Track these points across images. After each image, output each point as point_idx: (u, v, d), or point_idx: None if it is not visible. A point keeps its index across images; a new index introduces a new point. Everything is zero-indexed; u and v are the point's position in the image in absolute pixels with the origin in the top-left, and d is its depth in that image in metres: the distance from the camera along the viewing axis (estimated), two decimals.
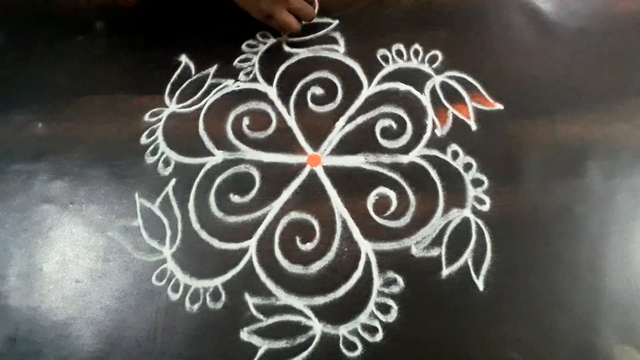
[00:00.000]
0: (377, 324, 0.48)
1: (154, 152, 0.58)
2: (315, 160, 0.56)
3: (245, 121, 0.58)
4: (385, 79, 0.59)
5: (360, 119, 0.57)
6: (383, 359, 0.47)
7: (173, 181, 0.56)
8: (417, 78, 0.59)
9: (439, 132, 0.56)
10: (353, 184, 0.54)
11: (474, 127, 0.56)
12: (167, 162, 0.57)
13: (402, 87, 0.59)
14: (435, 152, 0.55)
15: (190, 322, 0.49)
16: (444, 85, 0.58)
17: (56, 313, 0.51)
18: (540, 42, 0.61)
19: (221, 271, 0.51)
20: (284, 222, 0.53)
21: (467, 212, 0.52)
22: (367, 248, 0.51)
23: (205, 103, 0.60)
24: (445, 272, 0.49)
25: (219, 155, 0.57)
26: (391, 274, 0.50)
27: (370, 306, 0.48)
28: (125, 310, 0.50)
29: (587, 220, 0.51)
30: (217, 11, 0.61)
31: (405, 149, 0.55)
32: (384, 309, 0.48)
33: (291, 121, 0.58)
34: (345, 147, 0.56)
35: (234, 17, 0.64)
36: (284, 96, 0.60)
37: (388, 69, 0.60)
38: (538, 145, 0.54)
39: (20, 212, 0.56)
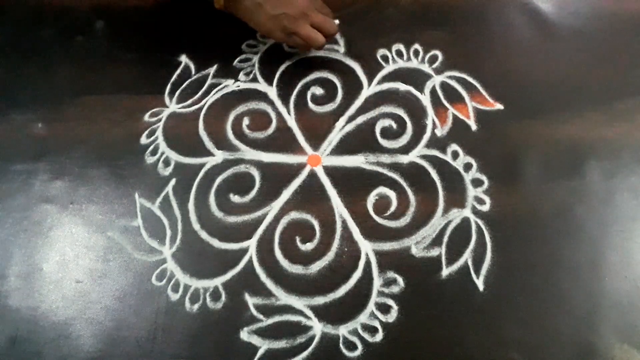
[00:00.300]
0: (377, 324, 0.48)
1: (154, 152, 0.58)
2: (315, 160, 0.56)
3: (245, 121, 0.58)
4: (385, 79, 0.59)
5: (360, 119, 0.57)
6: (383, 359, 0.47)
7: (173, 181, 0.56)
8: (417, 78, 0.59)
9: (439, 132, 0.56)
10: (353, 184, 0.54)
11: (474, 127, 0.56)
12: (167, 162, 0.57)
13: (402, 87, 0.59)
14: (435, 152, 0.55)
15: (190, 322, 0.49)
16: (444, 85, 0.58)
17: (56, 313, 0.51)
18: (540, 42, 0.61)
19: (221, 271, 0.51)
20: (284, 222, 0.53)
21: (467, 212, 0.52)
22: (367, 248, 0.51)
23: (205, 103, 0.60)
24: (445, 272, 0.49)
25: (219, 155, 0.57)
26: (391, 274, 0.50)
27: (370, 306, 0.48)
28: (125, 310, 0.50)
29: (587, 220, 0.51)
30: (217, 11, 0.61)
31: (405, 149, 0.55)
32: (384, 309, 0.48)
33: (291, 121, 0.58)
34: (345, 147, 0.56)
35: (233, 17, 0.64)
36: (284, 96, 0.60)
37: (388, 69, 0.60)
38: (538, 145, 0.55)
39: (20, 212, 0.56)
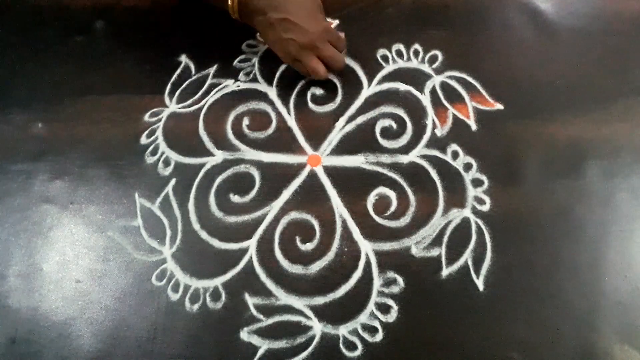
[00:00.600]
0: (377, 324, 0.48)
1: (154, 152, 0.58)
2: (315, 160, 0.56)
3: (245, 121, 0.58)
4: (385, 79, 0.59)
5: (360, 119, 0.57)
6: (383, 359, 0.47)
7: (173, 181, 0.56)
8: (417, 78, 0.59)
9: (439, 132, 0.56)
10: (353, 184, 0.54)
11: (474, 127, 0.56)
12: (167, 162, 0.57)
13: (402, 87, 0.59)
14: (435, 152, 0.55)
15: (190, 322, 0.49)
16: (444, 85, 0.58)
17: (56, 313, 0.51)
18: (540, 42, 0.61)
19: (221, 271, 0.51)
20: (284, 222, 0.53)
21: (467, 212, 0.52)
22: (367, 248, 0.51)
23: (205, 103, 0.60)
24: (445, 272, 0.49)
25: (219, 155, 0.57)
26: (391, 274, 0.50)
27: (370, 306, 0.48)
28: (125, 310, 0.50)
29: (587, 220, 0.51)
30: (217, 11, 0.61)
31: (405, 149, 0.55)
32: (384, 309, 0.48)
33: (291, 121, 0.58)
34: (345, 147, 0.56)
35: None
36: (284, 96, 0.60)
37: (388, 69, 0.60)
38: (538, 145, 0.54)
39: (20, 212, 0.56)
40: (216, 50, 0.63)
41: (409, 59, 0.60)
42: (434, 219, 0.52)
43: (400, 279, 0.49)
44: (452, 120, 0.56)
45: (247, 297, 0.50)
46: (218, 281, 0.51)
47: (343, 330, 0.48)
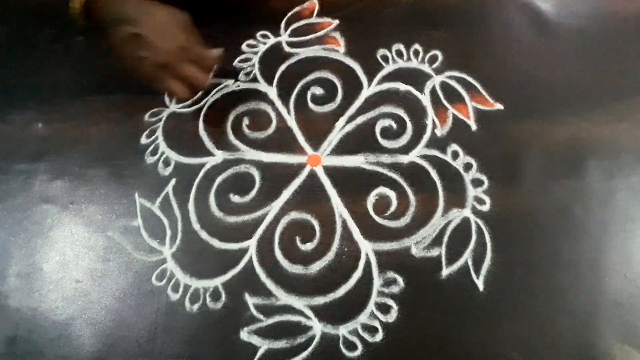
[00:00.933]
0: (377, 324, 0.48)
1: (154, 152, 0.58)
2: (315, 160, 0.56)
3: (245, 121, 0.58)
4: (385, 79, 0.59)
5: (360, 119, 0.57)
6: (383, 359, 0.47)
7: (173, 181, 0.56)
8: (417, 78, 0.59)
9: (439, 132, 0.56)
10: (353, 184, 0.54)
11: (474, 127, 0.56)
12: (167, 162, 0.57)
13: (402, 87, 0.59)
14: (435, 152, 0.55)
15: (190, 322, 0.49)
16: (444, 85, 0.58)
17: (56, 313, 0.51)
18: (540, 42, 0.61)
19: (221, 271, 0.51)
20: (284, 222, 0.53)
21: (467, 212, 0.52)
22: (367, 248, 0.51)
23: (205, 103, 0.60)
24: (445, 272, 0.49)
25: (219, 155, 0.57)
26: (391, 274, 0.50)
27: (370, 306, 0.48)
28: (125, 310, 0.50)
29: (587, 220, 0.51)
30: (216, 11, 0.61)
31: (405, 149, 0.55)
32: (384, 309, 0.48)
33: (291, 121, 0.58)
34: (345, 147, 0.56)
35: (234, 17, 0.64)
36: (284, 96, 0.60)
37: (388, 69, 0.60)
38: (538, 145, 0.54)
39: (20, 212, 0.56)
40: None
41: (409, 59, 0.60)
42: (434, 219, 0.52)
43: (400, 279, 0.49)
44: (452, 120, 0.56)
45: (247, 297, 0.50)
46: (218, 281, 0.51)
47: (343, 330, 0.48)
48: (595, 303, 0.47)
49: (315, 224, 0.52)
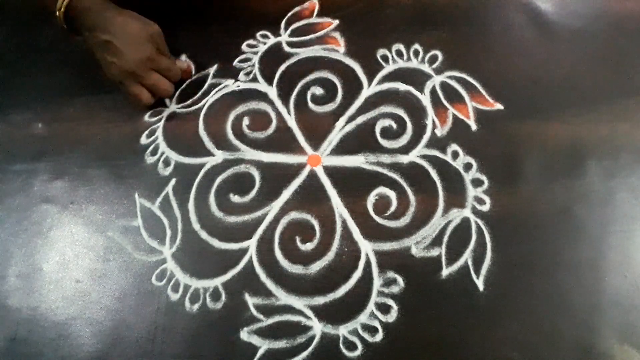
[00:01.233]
0: (377, 324, 0.48)
1: (154, 152, 0.58)
2: (315, 160, 0.56)
3: (245, 121, 0.58)
4: (385, 79, 0.59)
5: (360, 119, 0.57)
6: (383, 359, 0.47)
7: (173, 181, 0.56)
8: (417, 78, 0.59)
9: (439, 132, 0.56)
10: (353, 184, 0.54)
11: (474, 127, 0.56)
12: (167, 162, 0.57)
13: (402, 87, 0.59)
14: (435, 152, 0.55)
15: (190, 322, 0.49)
16: (444, 85, 0.58)
17: (56, 313, 0.51)
18: (540, 42, 0.61)
19: (221, 271, 0.51)
20: (284, 222, 0.53)
21: (467, 212, 0.52)
22: (367, 248, 0.51)
23: (205, 103, 0.60)
24: (445, 272, 0.49)
25: (219, 155, 0.57)
26: (391, 274, 0.50)
27: (370, 306, 0.48)
28: (125, 310, 0.50)
29: (587, 220, 0.51)
30: (216, 11, 0.61)
31: (405, 149, 0.55)
32: (384, 309, 0.48)
33: (291, 121, 0.58)
34: (345, 147, 0.56)
35: (234, 17, 0.64)
36: (284, 96, 0.60)
37: (388, 69, 0.60)
38: (538, 145, 0.54)
39: (20, 212, 0.56)
40: (216, 50, 0.63)
41: (409, 59, 0.60)
42: (434, 219, 0.52)
43: (400, 279, 0.49)
44: (452, 120, 0.56)
45: (247, 297, 0.50)
46: (218, 281, 0.51)
47: (343, 330, 0.48)
48: (595, 303, 0.47)
49: (315, 224, 0.52)
